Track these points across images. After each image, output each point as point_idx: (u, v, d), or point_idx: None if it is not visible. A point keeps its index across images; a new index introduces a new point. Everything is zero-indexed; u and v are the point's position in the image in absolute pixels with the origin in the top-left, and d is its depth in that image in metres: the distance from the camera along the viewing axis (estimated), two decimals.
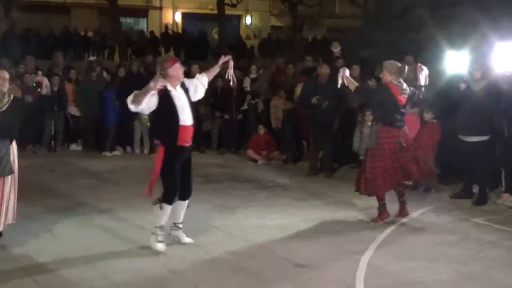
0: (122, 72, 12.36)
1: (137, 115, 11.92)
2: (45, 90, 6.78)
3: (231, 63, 6.49)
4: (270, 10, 33.89)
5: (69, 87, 12.30)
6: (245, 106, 12.34)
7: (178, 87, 6.11)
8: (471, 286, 5.30)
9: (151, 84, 5.86)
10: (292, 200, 8.32)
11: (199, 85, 6.36)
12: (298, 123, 10.96)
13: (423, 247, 6.28)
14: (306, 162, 10.63)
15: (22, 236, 6.38)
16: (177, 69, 6.08)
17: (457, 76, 8.41)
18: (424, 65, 9.89)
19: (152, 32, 27.05)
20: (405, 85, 7.01)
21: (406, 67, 7.08)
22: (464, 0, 12.15)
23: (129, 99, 5.94)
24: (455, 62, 8.48)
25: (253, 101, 12.27)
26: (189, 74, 12.34)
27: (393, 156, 6.98)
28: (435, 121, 8.74)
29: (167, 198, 6.02)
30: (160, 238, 6.00)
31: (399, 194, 7.30)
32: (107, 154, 11.81)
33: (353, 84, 7.16)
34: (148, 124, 11.87)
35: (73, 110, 12.36)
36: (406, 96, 6.99)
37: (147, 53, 17.10)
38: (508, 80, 8.09)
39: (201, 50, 23.98)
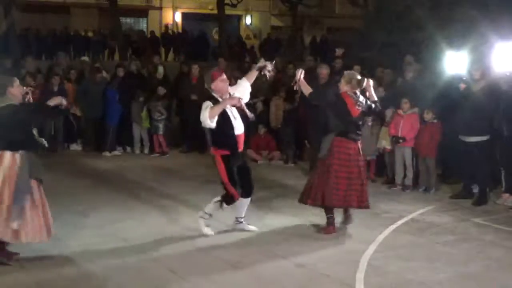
0: (121, 72, 12.36)
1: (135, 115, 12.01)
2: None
3: (269, 67, 6.71)
4: (270, 10, 33.89)
5: (69, 87, 12.30)
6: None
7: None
8: (471, 286, 5.31)
9: (228, 100, 6.35)
10: (292, 200, 8.30)
11: (244, 90, 6.69)
12: (299, 123, 10.96)
13: (423, 247, 6.29)
14: (306, 162, 10.63)
15: None
16: (219, 85, 6.45)
17: (457, 76, 8.41)
18: (424, 65, 9.90)
19: (152, 32, 27.04)
20: (361, 98, 6.84)
21: (365, 80, 6.86)
22: (464, 0, 12.16)
23: (208, 115, 6.25)
24: (455, 62, 8.48)
25: (251, 101, 12.24)
26: (189, 74, 12.42)
27: (347, 169, 6.71)
28: (435, 121, 8.75)
29: (229, 201, 6.54)
30: (207, 222, 6.62)
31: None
32: (107, 154, 11.80)
33: (307, 89, 6.95)
34: (148, 125, 11.93)
35: (73, 110, 12.36)
36: (360, 108, 6.77)
37: (147, 53, 17.13)
38: (507, 80, 8.09)
39: (201, 50, 23.99)
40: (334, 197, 6.65)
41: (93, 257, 5.83)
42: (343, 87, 6.84)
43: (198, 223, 6.63)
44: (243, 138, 6.61)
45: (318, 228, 6.92)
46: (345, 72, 7.08)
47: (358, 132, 6.83)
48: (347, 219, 6.96)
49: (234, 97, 6.44)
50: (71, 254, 5.88)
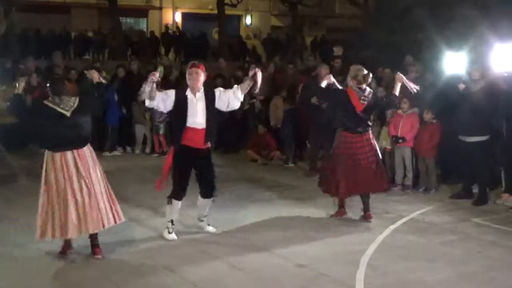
0: (121, 72, 12.35)
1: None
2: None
3: (259, 74, 6.56)
4: (270, 10, 33.88)
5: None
6: (246, 106, 12.33)
7: (200, 93, 6.42)
8: (471, 286, 5.31)
9: (150, 76, 6.28)
10: (292, 200, 8.33)
11: (232, 97, 6.55)
12: (299, 123, 10.96)
13: (423, 247, 6.29)
14: (306, 162, 10.64)
15: (21, 235, 6.39)
16: (189, 75, 6.41)
17: (456, 76, 8.40)
18: (424, 65, 9.90)
19: (152, 32, 27.04)
20: (367, 91, 7.01)
21: (370, 76, 7.06)
22: (464, 0, 12.16)
23: (140, 93, 6.35)
24: (454, 62, 8.47)
25: (250, 102, 12.25)
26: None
27: (350, 162, 7.02)
28: (435, 121, 8.75)
29: (173, 195, 6.45)
30: (170, 230, 6.50)
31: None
32: (107, 154, 11.80)
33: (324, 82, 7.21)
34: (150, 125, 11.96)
35: None
36: (365, 102, 6.96)
37: (147, 53, 17.11)
38: (506, 81, 8.10)
39: (201, 50, 23.99)
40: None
41: (93, 257, 5.83)
42: (349, 82, 7.02)
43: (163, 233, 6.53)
44: (201, 134, 6.36)
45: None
46: (352, 67, 7.17)
47: (365, 124, 7.06)
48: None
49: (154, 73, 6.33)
50: (70, 253, 5.88)
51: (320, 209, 7.76)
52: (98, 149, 11.80)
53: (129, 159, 11.59)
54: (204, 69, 6.50)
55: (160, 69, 13.56)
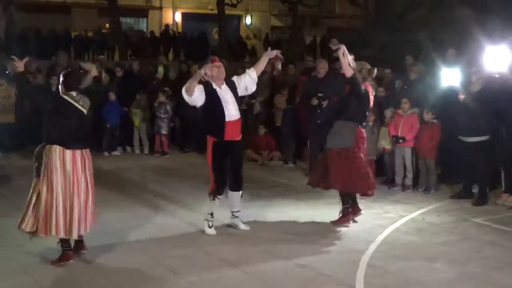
0: (119, 72, 12.35)
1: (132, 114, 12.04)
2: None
3: (280, 56, 6.73)
4: (270, 10, 33.90)
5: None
6: (243, 106, 12.32)
7: (224, 85, 6.52)
8: (471, 286, 5.30)
9: (200, 70, 6.38)
10: (292, 200, 8.33)
11: (249, 80, 6.69)
12: (298, 122, 10.96)
13: (423, 247, 6.29)
14: (306, 162, 10.63)
15: (21, 235, 6.38)
16: (210, 69, 6.47)
17: (451, 87, 8.43)
18: (424, 65, 9.87)
19: (152, 32, 27.04)
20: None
21: (375, 70, 7.09)
22: (464, 0, 12.17)
23: (184, 88, 6.43)
24: (450, 76, 8.50)
25: (248, 102, 12.24)
26: (188, 74, 12.41)
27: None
28: (435, 121, 8.75)
29: (217, 192, 6.53)
30: (210, 223, 6.59)
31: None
32: (107, 154, 11.81)
33: (349, 70, 6.80)
34: (137, 124, 11.97)
35: None
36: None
37: (147, 53, 17.13)
38: (501, 82, 8.11)
39: (201, 50, 23.98)
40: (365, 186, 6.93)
41: (92, 257, 5.83)
42: (359, 77, 6.95)
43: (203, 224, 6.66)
44: (238, 125, 6.51)
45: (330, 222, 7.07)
46: (356, 63, 7.08)
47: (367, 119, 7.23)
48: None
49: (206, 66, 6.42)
50: (78, 256, 5.86)
51: (320, 209, 7.76)
52: (98, 149, 11.91)
53: (129, 159, 11.59)
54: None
55: (160, 69, 13.59)
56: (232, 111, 6.46)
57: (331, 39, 7.06)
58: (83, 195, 5.64)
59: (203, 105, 6.53)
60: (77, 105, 5.63)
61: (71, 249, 5.74)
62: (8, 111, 11.51)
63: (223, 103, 6.42)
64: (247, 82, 6.69)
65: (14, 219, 7.06)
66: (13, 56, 5.81)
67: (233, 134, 6.48)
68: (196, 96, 6.44)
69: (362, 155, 6.98)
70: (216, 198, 6.56)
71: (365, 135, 7.11)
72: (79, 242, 5.85)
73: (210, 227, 6.63)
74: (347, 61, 6.74)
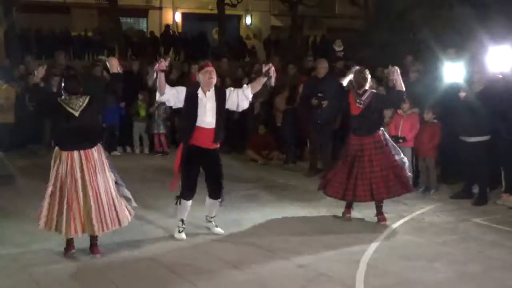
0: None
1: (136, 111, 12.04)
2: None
3: (273, 69, 6.57)
4: (270, 10, 33.88)
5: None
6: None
7: (210, 92, 6.41)
8: (471, 286, 5.30)
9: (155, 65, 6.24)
10: (292, 200, 8.32)
11: (242, 97, 6.54)
12: (298, 122, 10.96)
13: (423, 247, 6.29)
14: (306, 162, 10.64)
15: (21, 236, 6.39)
16: (202, 75, 6.40)
17: (455, 85, 8.40)
18: (424, 65, 9.86)
19: (152, 32, 27.05)
20: (365, 95, 7.01)
21: (369, 78, 7.08)
22: (464, 0, 12.17)
23: (150, 79, 6.40)
24: (453, 71, 8.46)
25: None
26: (189, 74, 12.42)
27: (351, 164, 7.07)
28: (435, 121, 8.75)
29: (182, 195, 6.43)
30: (180, 229, 6.50)
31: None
32: (107, 154, 11.78)
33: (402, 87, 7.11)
34: (144, 114, 11.99)
35: None
36: (361, 106, 6.99)
37: (147, 53, 17.11)
38: (503, 82, 8.11)
39: (201, 50, 24.00)
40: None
41: (93, 257, 5.83)
42: (350, 84, 7.08)
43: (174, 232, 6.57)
44: (210, 133, 6.33)
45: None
46: (354, 69, 7.16)
47: (361, 127, 7.06)
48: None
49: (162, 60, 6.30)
50: (70, 253, 5.88)
51: (320, 209, 7.76)
52: None
53: (129, 159, 11.59)
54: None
55: None
56: (207, 118, 6.31)
57: (335, 40, 7.04)
58: (82, 198, 5.65)
59: (182, 107, 6.43)
60: (66, 107, 5.72)
61: (72, 243, 5.87)
62: (8, 111, 11.51)
63: (199, 108, 6.30)
64: (240, 98, 6.51)
65: (14, 219, 7.11)
66: (42, 66, 6.13)
67: (204, 142, 6.33)
68: (169, 97, 6.35)
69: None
70: (179, 202, 6.44)
71: (351, 140, 7.15)
72: (91, 246, 5.89)
73: (179, 232, 6.48)
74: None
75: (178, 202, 6.46)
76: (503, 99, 7.97)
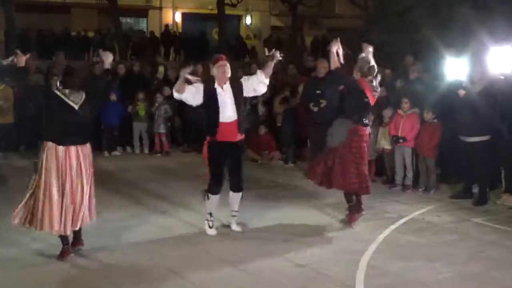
0: (122, 69, 12.33)
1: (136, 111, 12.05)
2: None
3: (276, 55, 6.70)
4: (270, 10, 33.86)
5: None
6: (248, 106, 12.32)
7: (226, 85, 6.48)
8: (471, 286, 5.31)
9: (181, 73, 6.39)
10: (292, 200, 8.32)
11: (257, 82, 6.65)
12: (298, 122, 10.96)
13: (423, 247, 6.29)
14: (306, 162, 10.62)
15: (21, 236, 6.38)
16: (216, 69, 6.49)
17: (457, 82, 8.39)
18: (424, 65, 9.83)
19: (152, 32, 27.03)
20: (375, 83, 6.97)
21: (375, 68, 6.97)
22: (464, 0, 12.16)
23: (174, 88, 6.47)
24: (455, 67, 8.44)
25: (251, 102, 12.23)
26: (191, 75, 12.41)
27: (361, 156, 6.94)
28: (435, 121, 8.75)
29: (210, 189, 6.55)
30: (210, 224, 6.62)
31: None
32: (107, 154, 11.80)
33: (335, 62, 6.98)
34: (142, 113, 11.99)
35: None
36: (376, 95, 7.00)
37: (147, 53, 17.10)
38: (505, 83, 8.10)
39: (201, 50, 23.98)
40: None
41: (92, 257, 5.83)
42: (356, 74, 6.93)
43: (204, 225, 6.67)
44: (233, 127, 6.46)
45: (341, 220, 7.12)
46: (359, 58, 7.05)
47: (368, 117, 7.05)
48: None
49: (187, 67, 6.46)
50: (76, 252, 5.88)
51: (320, 209, 7.76)
52: (96, 148, 11.90)
53: (129, 159, 11.59)
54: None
55: (161, 69, 13.59)
56: (228, 113, 6.41)
57: (334, 40, 7.01)
58: (78, 191, 5.67)
59: (202, 104, 6.53)
60: (67, 100, 5.68)
61: (68, 244, 5.81)
62: (7, 111, 11.51)
63: (219, 103, 6.41)
64: (255, 83, 6.63)
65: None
66: (17, 50, 5.92)
67: (228, 136, 6.44)
68: (187, 96, 6.43)
69: (356, 152, 6.83)
70: (208, 197, 6.57)
71: (364, 132, 6.90)
72: (76, 238, 5.91)
73: (210, 227, 6.64)
74: (335, 56, 6.90)
75: (206, 197, 6.58)
76: (505, 99, 7.97)
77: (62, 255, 5.73)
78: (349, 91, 6.94)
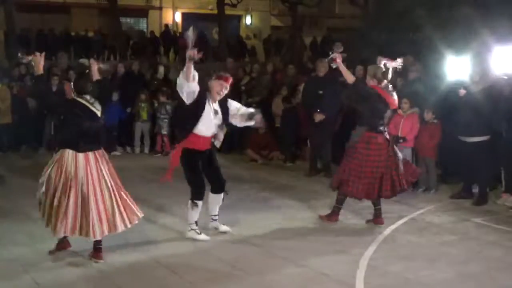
0: (121, 68, 12.32)
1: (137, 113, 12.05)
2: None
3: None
4: (270, 10, 33.89)
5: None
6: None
7: (216, 104, 6.42)
8: (471, 286, 5.31)
9: (189, 53, 6.07)
10: (292, 200, 8.32)
11: (235, 115, 6.61)
12: (298, 122, 10.96)
13: (423, 247, 6.29)
14: (306, 162, 10.63)
15: (21, 236, 6.39)
16: (215, 83, 6.38)
17: (457, 81, 8.39)
18: (424, 65, 9.83)
19: (152, 32, 27.05)
20: (390, 87, 6.98)
21: (390, 72, 6.95)
22: (464, 0, 12.16)
23: (182, 73, 6.21)
24: (457, 67, 8.45)
25: (250, 100, 12.24)
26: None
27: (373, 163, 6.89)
28: (435, 121, 8.75)
29: (196, 196, 6.41)
30: (198, 231, 6.46)
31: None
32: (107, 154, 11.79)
33: (348, 76, 7.04)
34: (145, 117, 11.98)
35: None
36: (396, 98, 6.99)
37: (147, 53, 17.11)
38: (508, 83, 8.11)
39: (201, 50, 23.95)
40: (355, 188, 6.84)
41: (92, 257, 5.83)
42: (369, 81, 6.91)
43: (190, 236, 6.46)
44: (207, 140, 6.41)
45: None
46: (369, 67, 7.04)
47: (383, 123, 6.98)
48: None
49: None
50: (70, 254, 5.88)
51: (319, 209, 7.75)
52: None
53: (129, 159, 11.58)
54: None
55: (161, 69, 13.59)
56: (206, 130, 6.35)
57: (336, 43, 6.97)
58: (99, 199, 5.61)
59: (188, 105, 6.32)
60: (91, 107, 5.65)
61: (64, 245, 5.85)
62: (5, 112, 11.51)
63: (203, 118, 6.30)
64: (234, 112, 6.59)
65: (14, 219, 7.10)
66: (37, 53, 5.80)
67: (201, 146, 6.39)
68: (195, 86, 6.23)
69: (367, 159, 6.81)
70: (196, 205, 6.42)
71: (377, 140, 6.84)
72: (94, 249, 5.79)
73: (199, 233, 6.46)
74: (345, 68, 6.95)
75: (194, 205, 6.41)
76: (508, 99, 7.96)
77: (96, 255, 5.71)
78: (365, 99, 6.85)
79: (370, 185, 6.83)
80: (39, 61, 5.70)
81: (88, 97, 5.67)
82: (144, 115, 12.07)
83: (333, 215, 7.17)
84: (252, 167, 10.87)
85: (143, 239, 6.45)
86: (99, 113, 5.69)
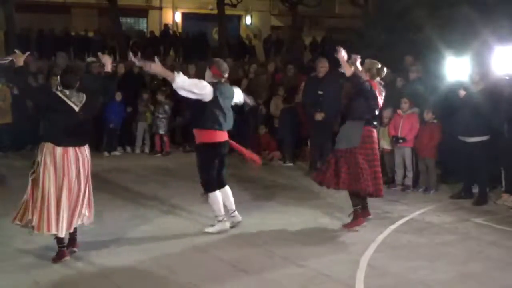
0: (121, 68, 12.33)
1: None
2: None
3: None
4: (270, 10, 33.86)
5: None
6: (246, 108, 12.29)
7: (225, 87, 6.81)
8: (471, 286, 5.31)
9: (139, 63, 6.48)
10: (292, 200, 8.32)
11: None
12: (297, 122, 10.96)
13: (423, 247, 6.29)
14: (306, 162, 10.63)
15: (21, 235, 6.38)
16: (214, 73, 6.72)
17: (457, 81, 8.39)
18: (424, 65, 9.83)
19: (152, 32, 27.03)
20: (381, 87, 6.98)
21: (385, 70, 6.96)
22: (464, 0, 12.14)
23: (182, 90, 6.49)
24: (457, 68, 8.44)
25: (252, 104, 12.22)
26: (186, 75, 12.41)
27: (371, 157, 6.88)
28: (435, 121, 8.75)
29: (212, 188, 6.66)
30: (224, 218, 6.71)
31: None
32: (107, 154, 11.80)
33: (348, 69, 6.79)
34: (150, 122, 11.99)
35: None
36: (382, 98, 6.95)
37: (147, 53, 17.04)
38: (509, 83, 8.11)
39: (201, 50, 23.98)
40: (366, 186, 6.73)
41: (93, 257, 5.83)
42: (363, 74, 6.84)
43: (216, 229, 6.66)
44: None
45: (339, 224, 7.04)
46: (366, 60, 7.00)
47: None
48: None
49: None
50: (70, 254, 5.87)
51: (320, 209, 7.76)
52: (96, 149, 11.91)
53: (129, 159, 11.58)
54: None
55: None
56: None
57: (338, 47, 6.95)
58: (75, 192, 5.67)
59: (209, 101, 6.55)
60: (68, 101, 5.67)
61: (65, 246, 5.79)
62: (5, 112, 11.51)
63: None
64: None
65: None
66: (16, 50, 5.92)
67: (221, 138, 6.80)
68: (208, 89, 6.52)
69: (370, 154, 6.78)
70: (209, 196, 6.66)
71: (374, 134, 6.90)
72: (72, 240, 5.90)
73: (224, 221, 6.70)
74: (345, 59, 6.73)
75: (211, 197, 6.60)
76: (509, 100, 7.96)
77: (58, 258, 5.69)
78: (360, 93, 6.79)
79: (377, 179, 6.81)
80: (20, 57, 5.76)
81: (67, 91, 5.69)
82: (149, 115, 12.08)
83: (357, 218, 6.92)
84: (252, 167, 10.85)
85: (142, 238, 6.45)
86: (76, 108, 5.68)
